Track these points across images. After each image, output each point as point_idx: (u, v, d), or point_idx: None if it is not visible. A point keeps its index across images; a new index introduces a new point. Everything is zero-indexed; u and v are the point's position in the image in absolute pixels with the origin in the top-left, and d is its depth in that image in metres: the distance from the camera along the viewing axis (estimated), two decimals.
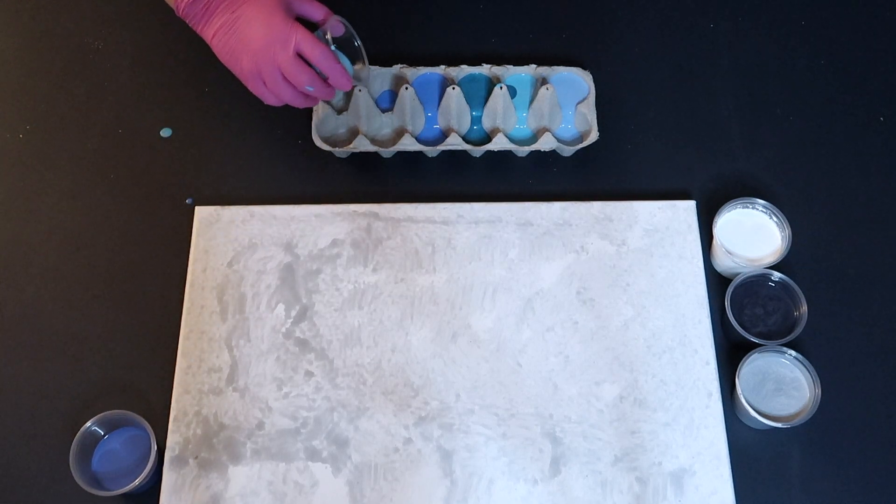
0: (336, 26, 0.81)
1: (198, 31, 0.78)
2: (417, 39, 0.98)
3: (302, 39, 0.76)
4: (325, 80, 0.80)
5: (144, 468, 0.75)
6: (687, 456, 0.78)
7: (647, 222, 0.87)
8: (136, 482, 0.74)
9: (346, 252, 0.86)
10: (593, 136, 0.90)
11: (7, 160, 0.91)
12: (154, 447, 0.76)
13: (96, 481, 0.76)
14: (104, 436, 0.78)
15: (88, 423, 0.76)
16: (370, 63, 0.92)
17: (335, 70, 0.79)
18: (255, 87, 0.79)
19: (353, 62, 0.83)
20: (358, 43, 0.83)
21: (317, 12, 0.81)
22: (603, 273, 0.85)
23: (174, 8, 0.78)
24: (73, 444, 0.74)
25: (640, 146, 0.93)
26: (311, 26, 0.80)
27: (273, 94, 0.79)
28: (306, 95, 0.81)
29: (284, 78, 0.78)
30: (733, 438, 0.79)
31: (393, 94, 0.92)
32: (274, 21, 0.76)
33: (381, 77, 0.93)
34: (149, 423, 0.77)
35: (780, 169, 0.91)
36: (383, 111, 0.91)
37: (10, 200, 0.90)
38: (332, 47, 0.81)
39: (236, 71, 0.79)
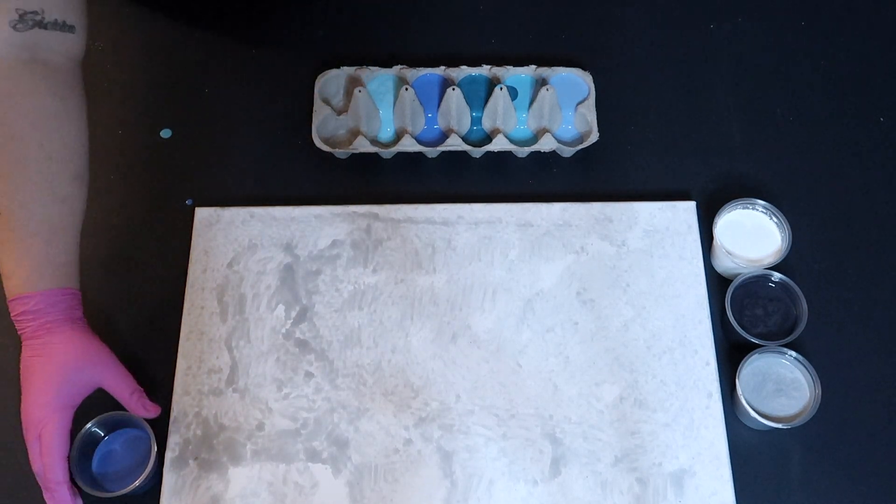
0: (133, 419, 0.76)
1: None
2: (417, 40, 0.98)
3: (43, 438, 0.70)
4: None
5: (145, 469, 0.75)
6: (687, 456, 0.78)
7: (647, 223, 0.87)
8: (137, 483, 0.74)
9: (346, 253, 0.86)
10: (593, 136, 0.90)
11: None
12: (154, 448, 0.76)
13: (96, 482, 0.76)
14: (104, 437, 0.78)
15: (89, 425, 0.76)
16: (373, 65, 0.93)
17: (57, 494, 0.71)
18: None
19: (146, 445, 0.77)
20: (151, 443, 0.76)
21: (113, 386, 0.74)
22: (603, 274, 0.85)
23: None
24: (74, 445, 0.74)
25: (640, 146, 0.93)
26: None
27: None
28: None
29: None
30: (733, 439, 0.79)
31: None
32: (38, 399, 0.70)
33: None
34: (149, 424, 0.77)
35: (780, 169, 0.91)
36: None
37: None
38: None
39: None
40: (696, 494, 0.77)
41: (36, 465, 0.71)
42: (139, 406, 0.75)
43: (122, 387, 0.75)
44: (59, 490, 0.71)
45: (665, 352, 0.82)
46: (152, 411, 0.76)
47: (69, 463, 0.72)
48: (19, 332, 0.72)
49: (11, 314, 0.72)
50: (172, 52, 0.97)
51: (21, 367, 0.72)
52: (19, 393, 0.71)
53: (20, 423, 0.71)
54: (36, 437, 0.70)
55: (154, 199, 0.90)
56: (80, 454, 0.75)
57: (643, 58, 0.98)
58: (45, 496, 0.71)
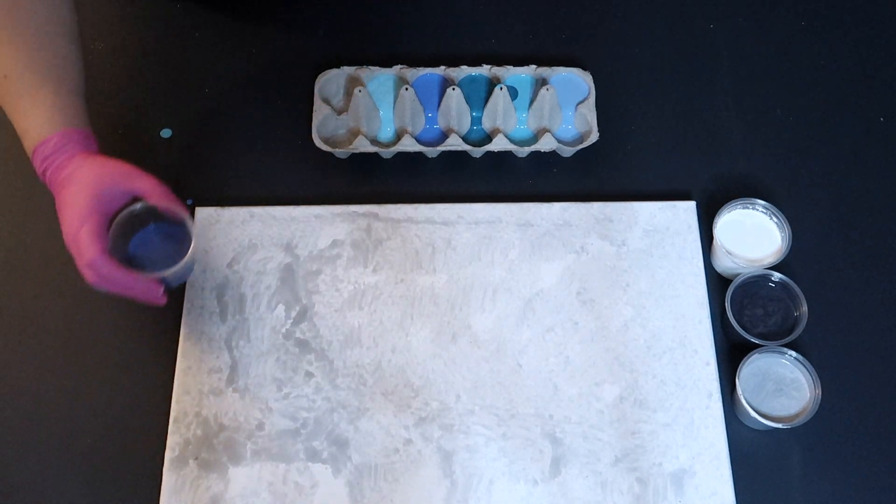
0: (137, 207, 0.76)
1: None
2: (417, 39, 0.98)
3: (80, 239, 0.71)
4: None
5: (182, 256, 0.75)
6: (687, 456, 0.78)
7: (647, 223, 0.87)
8: (171, 270, 0.74)
9: (346, 253, 0.86)
10: (593, 136, 0.90)
11: (7, 160, 0.91)
12: (193, 242, 0.76)
13: (131, 263, 0.76)
14: (145, 225, 0.78)
15: (136, 206, 0.75)
16: (372, 65, 0.93)
17: (112, 279, 0.72)
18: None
19: (183, 242, 0.77)
20: (188, 229, 0.76)
21: (144, 188, 0.74)
22: (603, 273, 0.85)
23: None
24: (115, 221, 0.74)
25: (640, 146, 0.93)
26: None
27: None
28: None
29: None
30: (733, 439, 0.79)
31: None
32: (73, 214, 0.71)
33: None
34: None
35: (780, 169, 0.91)
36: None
37: (10, 200, 0.90)
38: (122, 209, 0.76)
39: None
40: (696, 494, 0.77)
41: (86, 275, 0.72)
42: (172, 202, 0.75)
43: (152, 187, 0.75)
44: (114, 275, 0.71)
45: (665, 352, 0.82)
46: (182, 209, 0.75)
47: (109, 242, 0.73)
48: (49, 183, 0.74)
49: (38, 171, 0.74)
50: (172, 52, 0.97)
51: (57, 210, 0.73)
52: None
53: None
54: (84, 263, 0.71)
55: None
56: (120, 232, 0.75)
57: (643, 58, 0.98)
58: (92, 280, 0.72)
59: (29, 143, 0.74)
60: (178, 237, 0.77)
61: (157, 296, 0.75)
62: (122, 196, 0.75)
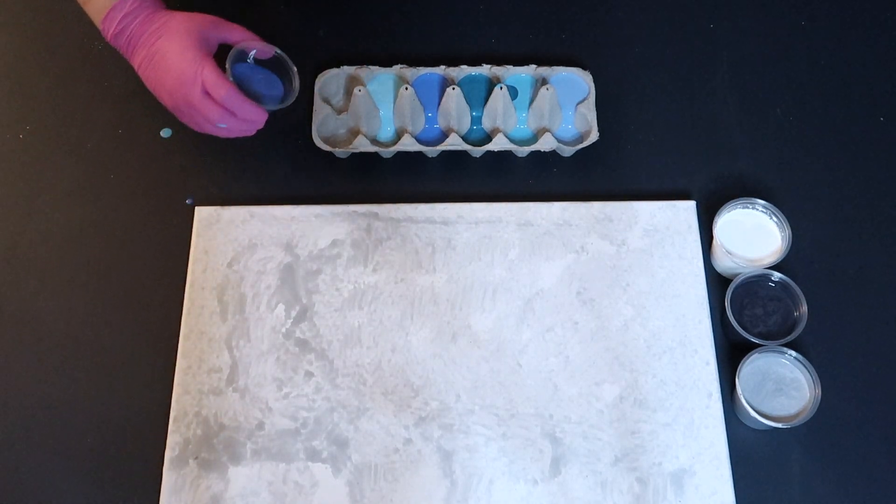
0: (264, 50, 0.81)
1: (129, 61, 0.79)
2: (417, 39, 0.98)
3: (207, 78, 0.76)
4: None
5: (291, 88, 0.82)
6: (687, 456, 0.78)
7: (647, 222, 0.87)
8: (285, 103, 0.81)
9: (346, 252, 0.86)
10: (593, 136, 0.90)
11: (7, 160, 0.91)
12: (295, 73, 0.82)
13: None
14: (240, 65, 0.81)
15: (245, 46, 0.80)
16: (372, 64, 0.93)
17: (242, 110, 0.78)
18: (180, 118, 0.79)
19: (283, 79, 0.83)
20: (289, 63, 0.82)
21: (234, 34, 0.80)
22: (603, 273, 0.85)
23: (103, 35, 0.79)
24: (231, 51, 0.79)
25: (640, 146, 0.93)
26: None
27: (195, 126, 0.80)
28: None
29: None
30: (733, 439, 0.79)
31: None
32: (185, 57, 0.76)
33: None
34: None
35: (780, 169, 0.91)
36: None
37: (10, 200, 0.90)
38: (249, 60, 0.81)
39: (163, 103, 0.79)
40: (695, 494, 0.77)
41: (213, 115, 0.77)
42: (259, 42, 0.80)
43: (243, 32, 0.80)
44: (245, 105, 0.77)
45: (665, 351, 0.82)
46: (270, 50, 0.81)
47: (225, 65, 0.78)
48: (129, 40, 0.76)
49: (110, 34, 0.77)
50: None
51: (147, 63, 0.77)
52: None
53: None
54: (200, 92, 0.76)
55: (154, 198, 0.90)
56: (234, 59, 0.79)
57: (643, 58, 0.98)
58: (216, 115, 0.77)
59: (97, 11, 0.76)
60: (269, 78, 0.82)
61: (261, 124, 0.81)
62: (215, 43, 0.79)
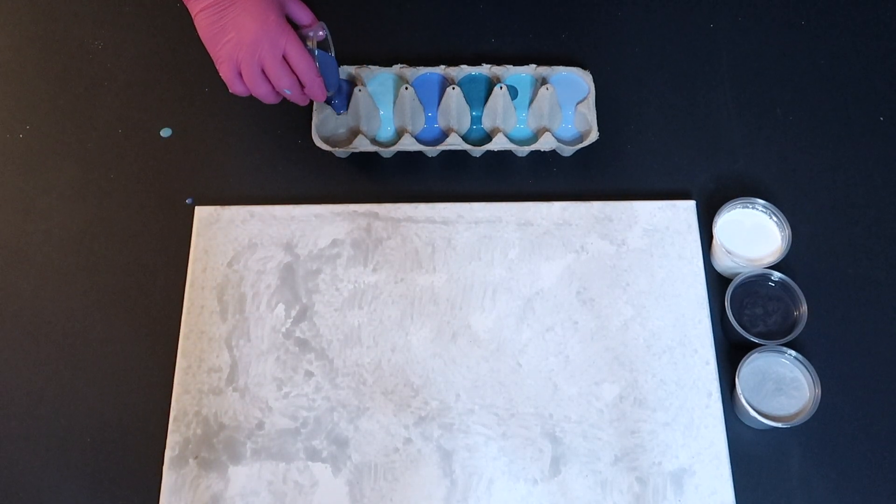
0: (320, 34, 0.83)
1: (185, 2, 0.79)
2: (417, 39, 0.98)
3: (292, 45, 0.78)
4: (301, 87, 0.82)
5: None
6: (687, 456, 0.78)
7: (646, 222, 0.87)
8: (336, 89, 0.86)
9: (346, 252, 0.86)
10: (593, 136, 0.90)
11: (7, 160, 0.91)
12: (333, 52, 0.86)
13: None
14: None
15: (314, 32, 0.83)
16: (372, 64, 0.93)
17: (315, 83, 0.81)
18: (226, 72, 0.79)
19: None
20: (333, 53, 0.86)
21: (304, 16, 0.83)
22: (603, 273, 0.85)
23: None
24: (303, 31, 0.83)
25: (640, 146, 0.93)
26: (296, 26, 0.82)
27: (247, 85, 0.80)
28: (277, 94, 0.82)
29: (263, 73, 0.79)
30: (733, 438, 0.79)
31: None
32: (269, 19, 0.77)
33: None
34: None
35: (780, 169, 0.91)
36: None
37: (10, 200, 0.90)
38: (315, 52, 0.82)
39: (213, 52, 0.79)
40: (695, 494, 0.77)
41: (285, 80, 0.79)
42: (318, 27, 0.83)
43: (308, 15, 0.83)
44: (318, 80, 0.81)
45: (665, 351, 0.82)
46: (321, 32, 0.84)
47: None
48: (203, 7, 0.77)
49: None
50: (172, 52, 0.97)
51: (216, 11, 0.77)
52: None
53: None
54: (280, 55, 0.78)
55: (154, 199, 0.90)
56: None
57: (643, 58, 0.98)
58: (300, 95, 0.82)
59: None
60: (329, 68, 0.85)
61: (322, 94, 0.84)
62: (284, 15, 0.80)
